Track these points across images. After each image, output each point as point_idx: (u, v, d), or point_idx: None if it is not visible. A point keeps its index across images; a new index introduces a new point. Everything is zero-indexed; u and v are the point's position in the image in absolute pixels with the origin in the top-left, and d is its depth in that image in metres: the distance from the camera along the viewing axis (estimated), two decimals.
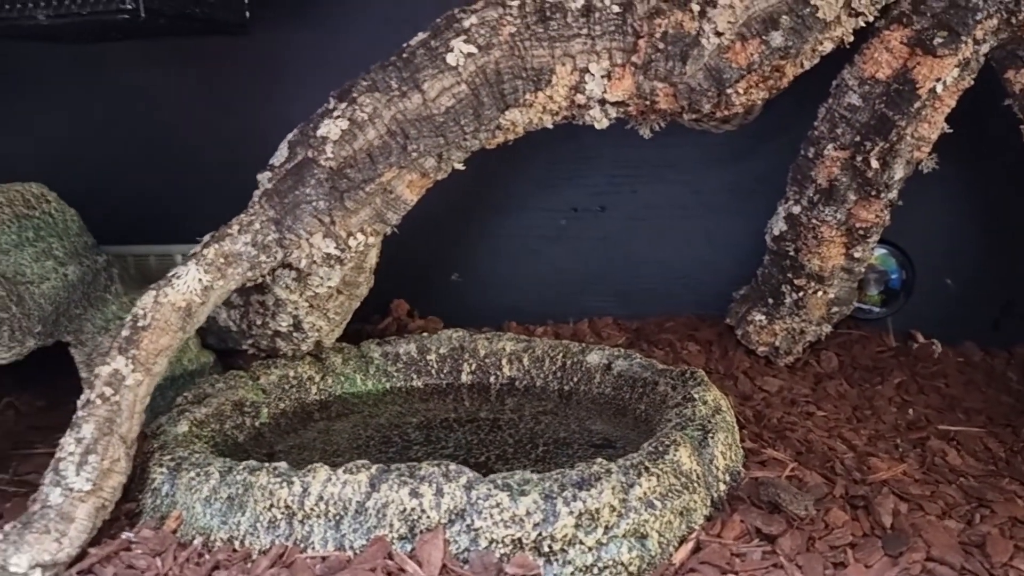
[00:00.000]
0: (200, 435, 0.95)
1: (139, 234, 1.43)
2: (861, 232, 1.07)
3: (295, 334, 1.03)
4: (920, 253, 1.29)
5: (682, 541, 0.78)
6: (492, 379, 1.16)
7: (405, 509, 0.76)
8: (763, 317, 1.17)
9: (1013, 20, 0.93)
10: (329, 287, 0.95)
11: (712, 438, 0.87)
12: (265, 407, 1.06)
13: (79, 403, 0.83)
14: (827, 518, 0.81)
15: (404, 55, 0.88)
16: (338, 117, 0.87)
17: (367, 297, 1.11)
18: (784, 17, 0.86)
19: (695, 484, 0.81)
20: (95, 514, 0.78)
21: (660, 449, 0.82)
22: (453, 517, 0.75)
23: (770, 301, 1.17)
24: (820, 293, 1.13)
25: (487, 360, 1.16)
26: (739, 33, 0.85)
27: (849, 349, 1.27)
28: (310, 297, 0.96)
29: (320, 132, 0.87)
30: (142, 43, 1.38)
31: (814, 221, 1.07)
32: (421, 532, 0.75)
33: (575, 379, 1.12)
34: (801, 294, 1.14)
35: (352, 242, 0.90)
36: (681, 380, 1.00)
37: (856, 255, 1.10)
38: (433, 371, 1.17)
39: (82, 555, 0.77)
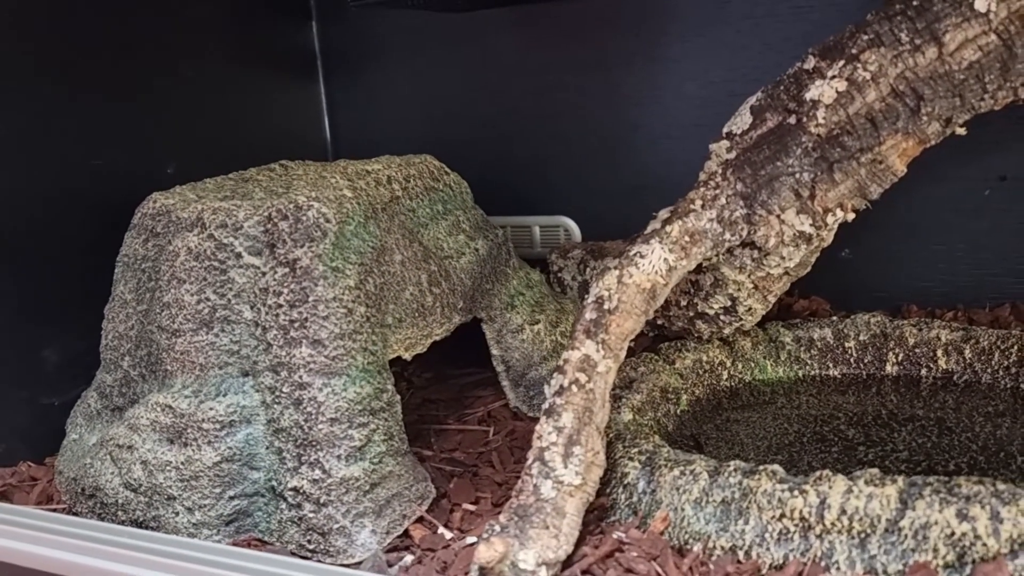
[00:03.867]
0: (642, 423, 0.89)
1: (491, 205, 1.41)
2: None
3: (723, 317, 0.95)
4: None
5: None
6: (923, 372, 1.03)
7: (953, 533, 0.65)
8: None
9: None
10: (785, 268, 0.85)
11: None
12: (684, 393, 0.99)
13: (549, 389, 0.78)
14: None
15: (915, 3, 0.75)
16: (833, 78, 0.76)
17: None
18: None
19: None
20: (582, 509, 0.74)
21: None
22: (1016, 548, 0.64)
23: None
24: None
25: (917, 350, 1.03)
26: None
27: None
28: (759, 279, 0.87)
29: (810, 95, 0.77)
30: (509, 11, 1.34)
31: None
32: (974, 562, 0.64)
33: None
34: None
35: (829, 219, 0.80)
36: None
37: None
38: (852, 360, 1.05)
39: (573, 554, 0.72)
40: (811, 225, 0.80)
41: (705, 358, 1.02)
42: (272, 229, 0.83)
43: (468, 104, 1.44)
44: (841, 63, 0.76)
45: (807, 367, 1.06)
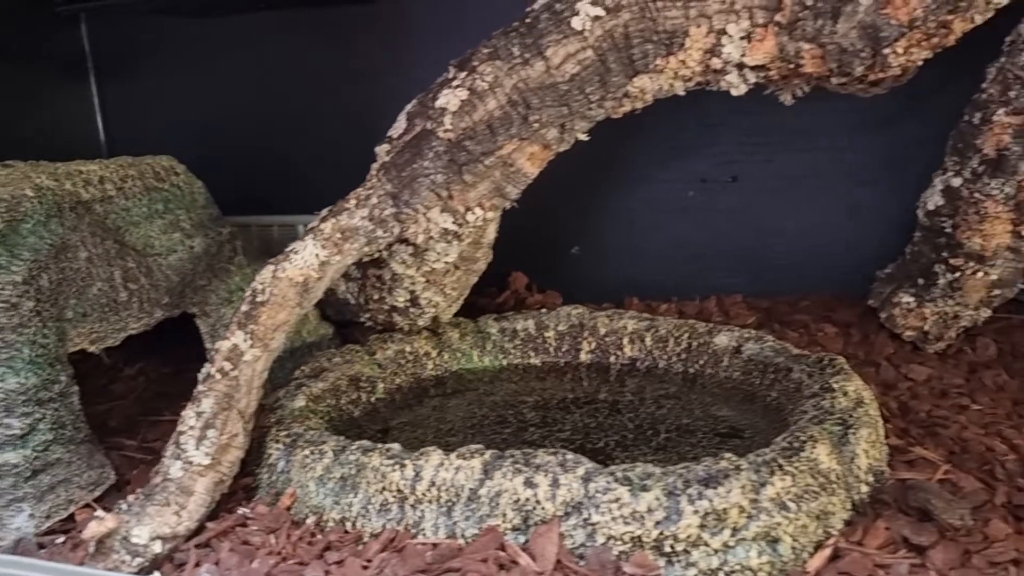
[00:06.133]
0: (316, 410, 0.94)
1: (263, 205, 1.45)
2: None
3: (411, 309, 1.01)
4: None
5: (818, 547, 0.71)
6: (612, 359, 1.11)
7: (519, 499, 0.72)
8: (911, 299, 1.07)
9: None
10: (446, 262, 0.92)
11: (853, 434, 0.79)
12: (381, 382, 1.05)
13: (200, 376, 0.83)
14: (986, 529, 0.73)
15: (527, 20, 0.83)
16: (457, 87, 0.83)
17: (485, 270, 1.08)
18: None
19: (834, 485, 0.75)
20: (213, 488, 0.79)
21: (795, 445, 0.75)
22: (569, 510, 0.71)
23: (920, 282, 1.07)
24: (980, 274, 1.02)
25: (607, 339, 1.12)
26: None
27: (1009, 335, 1.15)
28: (427, 272, 0.94)
29: (439, 103, 0.84)
30: (268, 15, 1.39)
31: (977, 195, 0.96)
32: (535, 524, 0.72)
33: (701, 362, 1.06)
34: (957, 275, 1.03)
35: (470, 217, 0.87)
36: (819, 367, 0.92)
37: None
38: (551, 349, 1.13)
39: (200, 529, 0.77)
40: (454, 223, 0.87)
41: (409, 348, 1.08)
42: None
43: (240, 107, 1.48)
44: (464, 74, 0.83)
45: (511, 356, 1.13)
